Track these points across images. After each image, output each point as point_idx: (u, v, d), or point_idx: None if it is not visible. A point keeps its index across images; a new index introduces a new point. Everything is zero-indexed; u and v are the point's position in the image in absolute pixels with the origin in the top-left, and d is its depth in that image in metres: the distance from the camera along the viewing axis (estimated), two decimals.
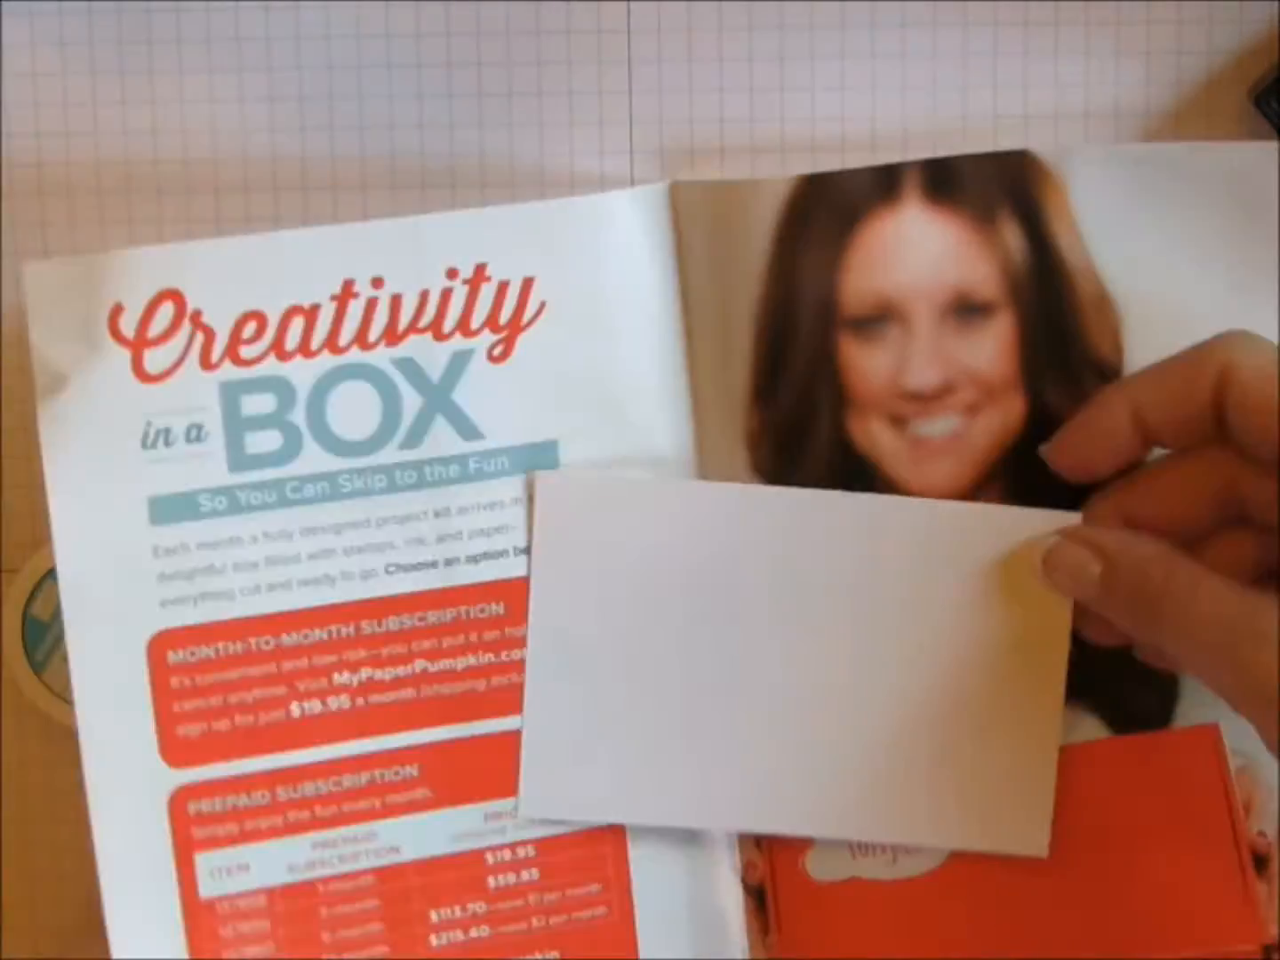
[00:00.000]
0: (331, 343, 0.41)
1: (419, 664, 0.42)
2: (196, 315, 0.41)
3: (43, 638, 0.46)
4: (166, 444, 0.41)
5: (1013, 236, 0.42)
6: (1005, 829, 0.42)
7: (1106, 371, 0.43)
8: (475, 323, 0.42)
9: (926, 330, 0.42)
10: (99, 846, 0.41)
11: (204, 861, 0.41)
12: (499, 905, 0.42)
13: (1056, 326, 0.43)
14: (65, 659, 0.41)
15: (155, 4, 0.45)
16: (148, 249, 0.41)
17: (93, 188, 0.45)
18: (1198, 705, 0.43)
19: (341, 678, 0.42)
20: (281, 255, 0.41)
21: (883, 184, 0.42)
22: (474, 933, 0.42)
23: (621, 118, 0.45)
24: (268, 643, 0.42)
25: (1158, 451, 0.41)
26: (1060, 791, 0.42)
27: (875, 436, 0.43)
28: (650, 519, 0.42)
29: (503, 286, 0.42)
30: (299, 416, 0.41)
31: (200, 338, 0.41)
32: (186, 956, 0.41)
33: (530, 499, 0.42)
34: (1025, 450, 0.42)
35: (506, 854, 0.42)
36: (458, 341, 0.42)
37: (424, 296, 0.41)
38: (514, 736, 0.42)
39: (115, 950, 0.41)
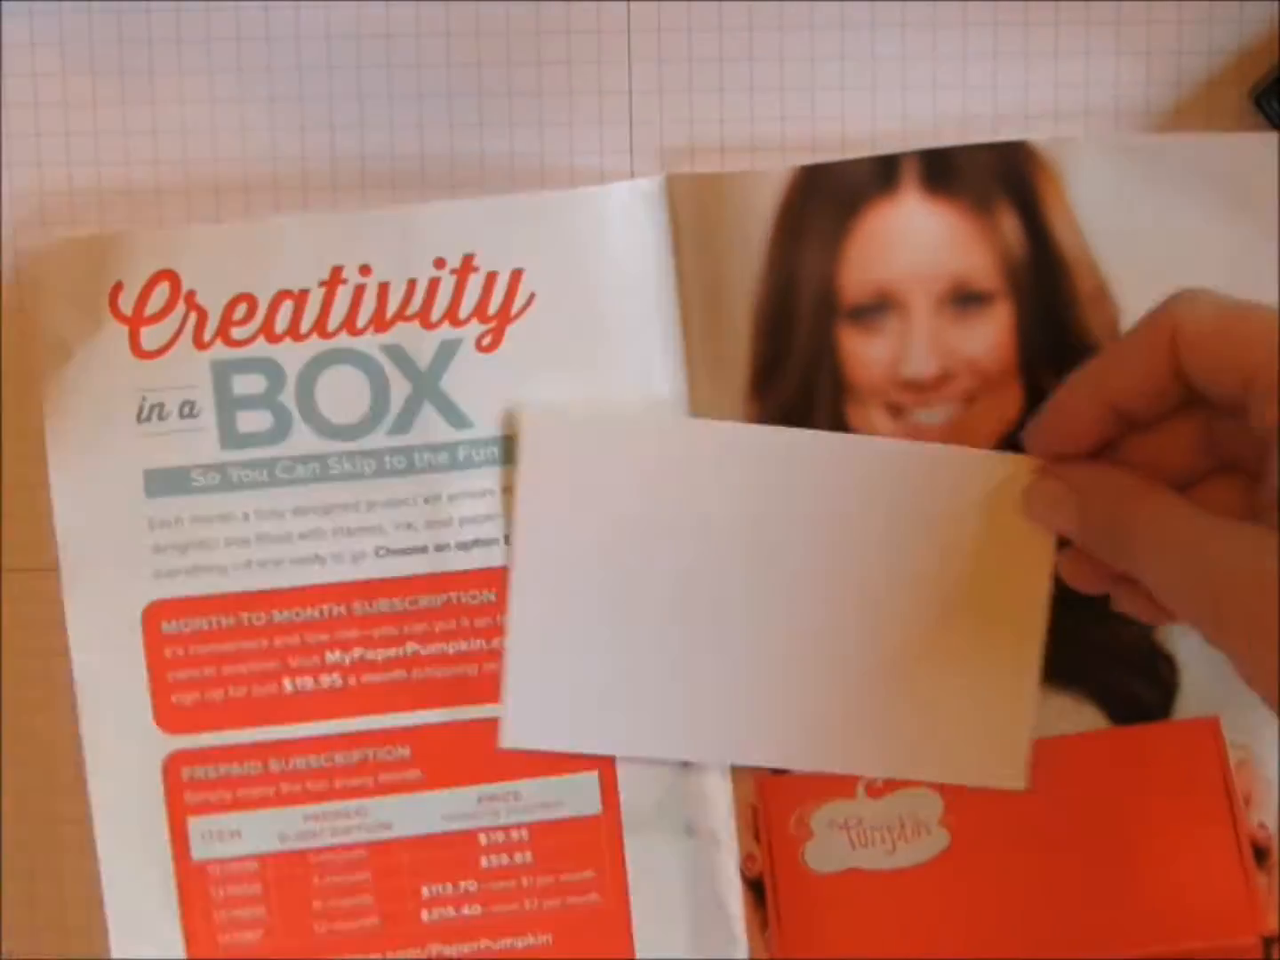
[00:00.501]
0: (320, 327, 0.42)
1: (410, 646, 0.43)
2: (190, 296, 0.42)
3: None
4: (160, 418, 0.42)
5: (1010, 226, 0.43)
6: (983, 763, 0.43)
7: None
8: (463, 312, 0.42)
9: (925, 319, 0.43)
10: (95, 805, 0.42)
11: (197, 825, 0.43)
12: (491, 885, 0.43)
13: (1054, 316, 0.43)
14: None
15: (155, 4, 0.45)
16: (146, 231, 0.43)
17: (93, 188, 0.45)
18: (1198, 697, 0.43)
19: (334, 656, 0.42)
20: (272, 241, 0.42)
21: (881, 174, 0.42)
22: (466, 910, 0.43)
23: (621, 117, 0.45)
24: (259, 618, 0.42)
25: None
26: (1059, 782, 0.42)
27: (874, 425, 0.43)
28: (635, 456, 0.42)
29: (491, 277, 0.42)
30: (289, 398, 0.42)
31: (194, 317, 0.42)
32: (179, 916, 0.42)
33: (507, 437, 0.42)
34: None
35: (500, 835, 0.43)
36: (446, 330, 0.42)
37: (411, 285, 0.42)
38: None
39: (109, 906, 0.42)
